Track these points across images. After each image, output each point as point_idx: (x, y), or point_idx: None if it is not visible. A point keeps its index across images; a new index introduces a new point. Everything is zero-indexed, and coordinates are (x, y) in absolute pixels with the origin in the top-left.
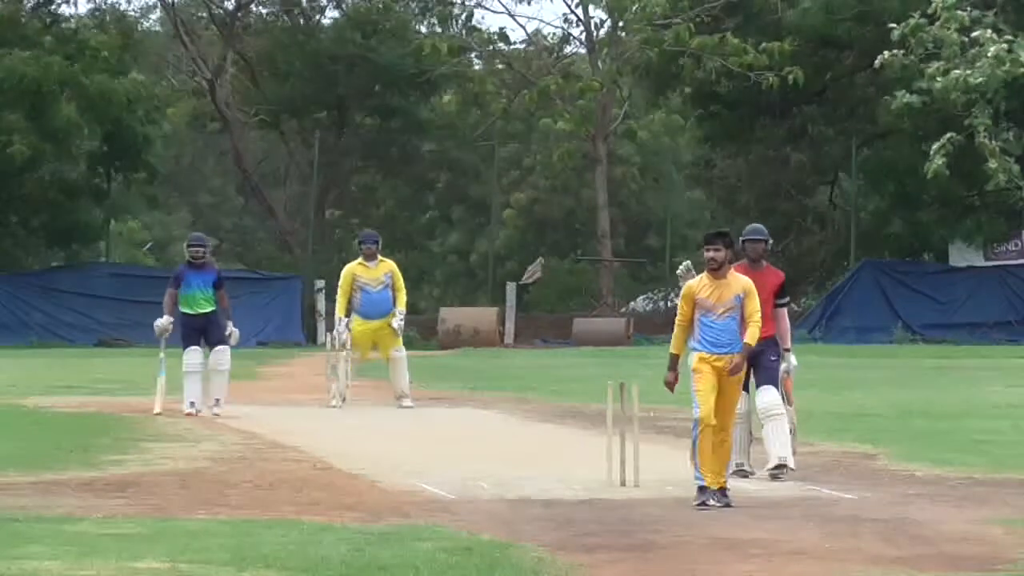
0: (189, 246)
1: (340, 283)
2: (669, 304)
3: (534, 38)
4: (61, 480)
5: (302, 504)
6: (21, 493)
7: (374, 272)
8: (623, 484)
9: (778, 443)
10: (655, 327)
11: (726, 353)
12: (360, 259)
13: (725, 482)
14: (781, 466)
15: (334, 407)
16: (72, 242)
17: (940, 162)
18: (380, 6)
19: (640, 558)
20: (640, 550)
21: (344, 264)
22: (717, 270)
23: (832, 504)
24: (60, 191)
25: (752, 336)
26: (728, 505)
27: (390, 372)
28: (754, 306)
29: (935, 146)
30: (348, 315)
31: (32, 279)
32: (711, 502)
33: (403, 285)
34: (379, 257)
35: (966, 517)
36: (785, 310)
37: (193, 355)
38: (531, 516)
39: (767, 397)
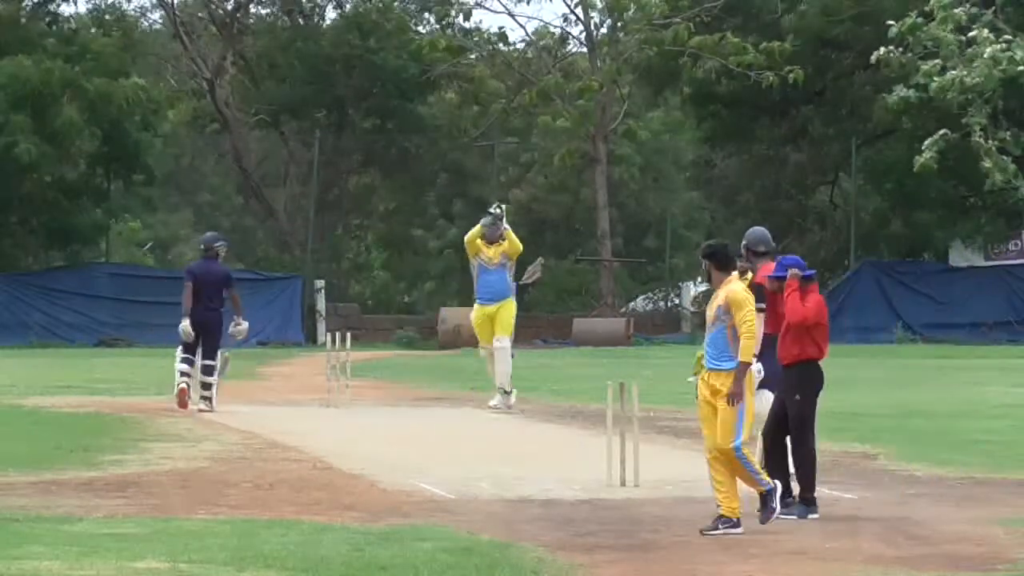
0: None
1: (467, 246)
2: (669, 304)
3: (533, 38)
4: (61, 480)
5: (302, 504)
6: (21, 493)
7: (492, 251)
8: (623, 484)
9: None
10: (655, 327)
11: (714, 369)
12: (482, 228)
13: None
14: None
15: (509, 405)
16: (72, 242)
17: (929, 155)
18: (379, 6)
19: (640, 558)
20: (640, 550)
21: (344, 264)
22: (710, 283)
23: (832, 504)
24: (60, 191)
25: (743, 350)
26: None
27: (493, 361)
28: (740, 317)
29: (927, 141)
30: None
31: (32, 279)
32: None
33: (516, 241)
34: (505, 236)
35: (966, 517)
36: (761, 315)
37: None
38: (531, 516)
39: (765, 401)
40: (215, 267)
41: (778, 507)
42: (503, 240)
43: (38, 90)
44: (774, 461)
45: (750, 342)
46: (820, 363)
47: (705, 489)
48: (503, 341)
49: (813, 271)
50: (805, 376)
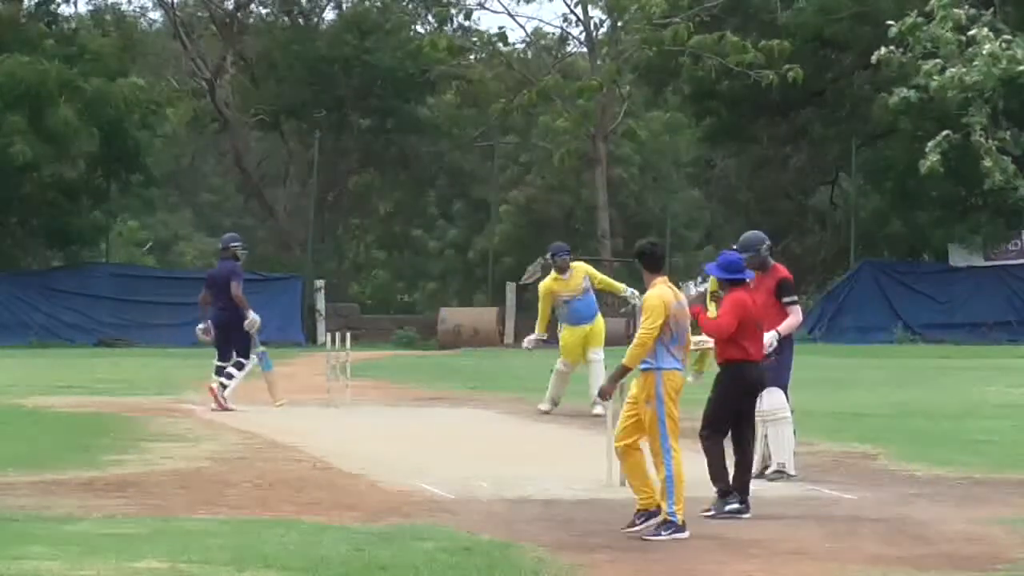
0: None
1: (540, 302)
2: None
3: (533, 38)
4: (61, 480)
5: (302, 504)
6: (21, 493)
7: (570, 283)
8: (623, 484)
9: (778, 448)
10: None
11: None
12: (553, 274)
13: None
14: (780, 472)
15: (544, 411)
16: (72, 242)
17: (935, 159)
18: (379, 5)
19: (640, 558)
20: (640, 550)
21: (344, 264)
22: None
23: (832, 504)
24: (59, 192)
25: (628, 354)
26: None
27: (588, 375)
28: (641, 321)
29: (931, 143)
30: (546, 330)
31: (32, 279)
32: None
33: (608, 277)
34: (571, 266)
35: (966, 517)
36: (797, 307)
37: None
38: (531, 516)
39: (772, 399)
40: (222, 267)
41: (639, 529)
42: (571, 272)
43: (34, 90)
44: (735, 457)
45: (636, 350)
46: (748, 365)
47: (705, 489)
48: (598, 354)
49: (741, 275)
50: (727, 377)
